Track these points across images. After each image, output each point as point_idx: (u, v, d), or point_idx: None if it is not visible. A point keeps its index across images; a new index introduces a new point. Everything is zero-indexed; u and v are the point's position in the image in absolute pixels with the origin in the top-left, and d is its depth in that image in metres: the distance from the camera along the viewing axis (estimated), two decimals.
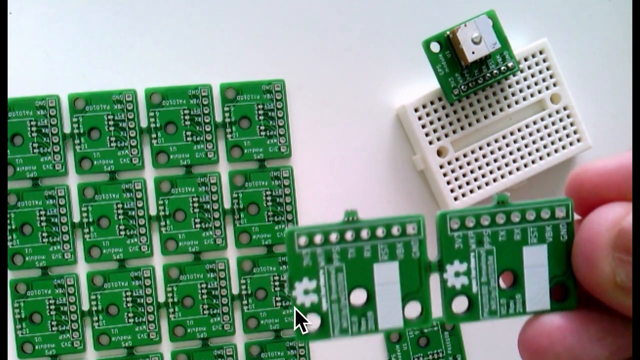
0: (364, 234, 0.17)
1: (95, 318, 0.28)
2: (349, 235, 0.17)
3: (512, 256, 0.17)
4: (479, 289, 0.17)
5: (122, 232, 0.28)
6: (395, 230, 0.17)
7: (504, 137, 0.28)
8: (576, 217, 0.17)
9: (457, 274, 0.17)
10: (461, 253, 0.17)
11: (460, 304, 0.17)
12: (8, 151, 0.28)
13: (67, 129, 0.28)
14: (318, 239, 0.16)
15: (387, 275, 0.17)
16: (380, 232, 0.17)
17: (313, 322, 0.16)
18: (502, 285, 0.17)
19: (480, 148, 0.28)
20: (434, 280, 0.17)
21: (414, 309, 0.17)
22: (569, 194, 0.17)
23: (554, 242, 0.17)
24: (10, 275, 0.28)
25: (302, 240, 0.16)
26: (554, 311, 0.16)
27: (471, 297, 0.17)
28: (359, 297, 0.17)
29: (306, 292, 0.16)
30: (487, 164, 0.28)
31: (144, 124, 0.28)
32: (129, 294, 0.28)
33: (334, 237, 0.17)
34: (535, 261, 0.17)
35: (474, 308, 0.17)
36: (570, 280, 0.17)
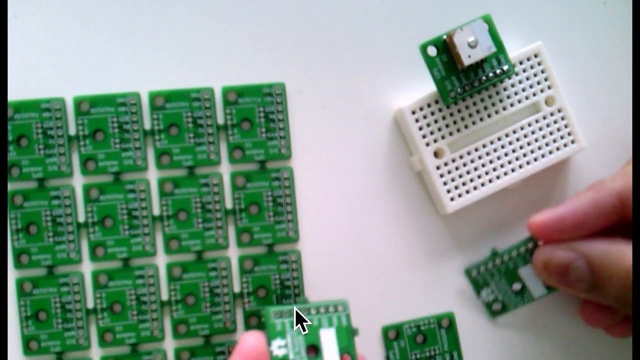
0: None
1: (100, 316, 0.29)
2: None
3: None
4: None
5: (126, 232, 0.29)
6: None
7: (499, 139, 0.29)
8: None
9: None
10: None
11: None
12: (15, 152, 0.28)
13: (72, 131, 0.29)
14: None
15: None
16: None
17: None
18: None
19: (477, 149, 0.29)
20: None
21: None
22: (535, 235, 0.28)
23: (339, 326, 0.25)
24: (17, 273, 0.29)
25: None
26: None
27: None
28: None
29: None
30: (483, 165, 0.29)
31: (147, 126, 0.29)
32: (132, 292, 0.29)
33: None
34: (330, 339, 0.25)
35: None
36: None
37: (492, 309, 0.30)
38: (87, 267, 0.29)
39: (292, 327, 0.25)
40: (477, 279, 0.30)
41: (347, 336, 0.25)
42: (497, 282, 0.30)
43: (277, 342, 0.24)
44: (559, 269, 0.27)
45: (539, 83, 0.29)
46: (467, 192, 0.29)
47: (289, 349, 0.24)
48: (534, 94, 0.29)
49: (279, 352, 0.24)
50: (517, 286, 0.30)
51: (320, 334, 0.25)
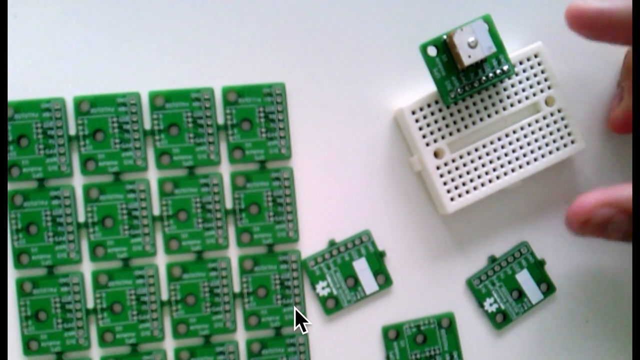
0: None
1: (100, 316, 0.29)
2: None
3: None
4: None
5: (126, 232, 0.29)
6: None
7: (499, 139, 0.29)
8: None
9: None
10: None
11: None
12: (15, 152, 0.28)
13: (72, 131, 0.29)
14: None
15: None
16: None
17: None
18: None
19: (476, 150, 0.29)
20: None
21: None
22: (570, 21, 0.25)
23: (368, 255, 0.30)
24: (16, 273, 0.29)
25: None
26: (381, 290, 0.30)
27: None
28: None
29: None
30: (483, 165, 0.29)
31: (147, 126, 0.29)
32: (132, 292, 0.29)
33: None
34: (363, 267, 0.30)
35: None
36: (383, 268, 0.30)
37: (496, 320, 0.30)
38: (87, 267, 0.29)
39: (328, 268, 0.29)
40: (480, 289, 0.30)
41: (377, 260, 0.30)
42: (499, 290, 0.30)
43: (320, 285, 0.29)
44: (598, 226, 0.26)
45: (539, 83, 0.29)
46: (467, 192, 0.29)
47: (332, 287, 0.29)
48: (534, 94, 0.29)
49: (324, 292, 0.29)
50: (516, 294, 0.30)
51: (353, 265, 0.29)
